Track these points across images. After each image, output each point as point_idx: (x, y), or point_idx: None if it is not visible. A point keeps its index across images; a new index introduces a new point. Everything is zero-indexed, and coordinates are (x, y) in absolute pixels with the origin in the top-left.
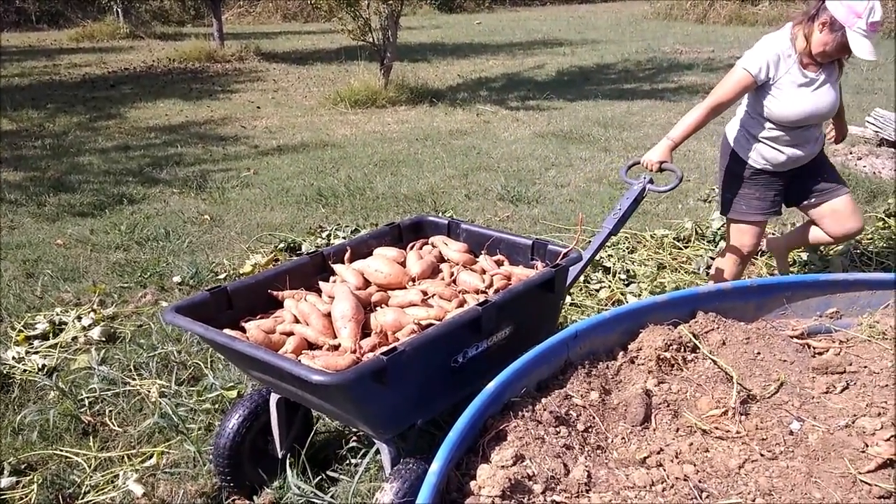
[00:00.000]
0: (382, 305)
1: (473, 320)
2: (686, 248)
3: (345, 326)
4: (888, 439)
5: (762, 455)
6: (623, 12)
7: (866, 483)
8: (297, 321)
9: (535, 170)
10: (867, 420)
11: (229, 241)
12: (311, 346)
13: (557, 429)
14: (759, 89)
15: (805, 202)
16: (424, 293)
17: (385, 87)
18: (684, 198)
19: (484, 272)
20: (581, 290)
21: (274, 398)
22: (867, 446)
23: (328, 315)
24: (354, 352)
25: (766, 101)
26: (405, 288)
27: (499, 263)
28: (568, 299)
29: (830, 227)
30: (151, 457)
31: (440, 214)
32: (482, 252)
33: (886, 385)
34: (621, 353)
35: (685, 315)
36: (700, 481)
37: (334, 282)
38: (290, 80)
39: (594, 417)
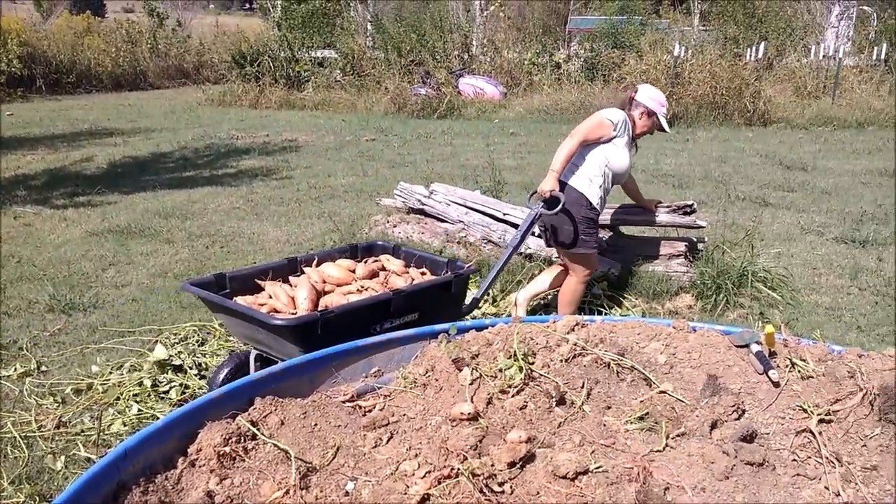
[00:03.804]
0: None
1: (386, 301)
2: None
3: (302, 303)
4: (423, 476)
5: None
6: (176, 100)
7: None
8: (270, 298)
9: (90, 272)
10: (408, 463)
11: None
12: (279, 314)
13: None
14: (607, 142)
15: None
16: (362, 287)
17: None
18: None
19: (412, 278)
20: (149, 395)
21: (253, 354)
22: (408, 487)
23: (294, 297)
24: None
25: (613, 153)
26: (350, 284)
27: (423, 274)
28: (135, 407)
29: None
30: None
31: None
32: (411, 265)
33: (420, 427)
34: (181, 459)
35: (244, 404)
36: None
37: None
38: None
39: None
